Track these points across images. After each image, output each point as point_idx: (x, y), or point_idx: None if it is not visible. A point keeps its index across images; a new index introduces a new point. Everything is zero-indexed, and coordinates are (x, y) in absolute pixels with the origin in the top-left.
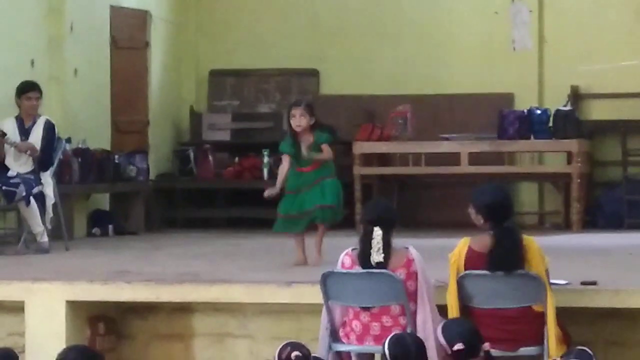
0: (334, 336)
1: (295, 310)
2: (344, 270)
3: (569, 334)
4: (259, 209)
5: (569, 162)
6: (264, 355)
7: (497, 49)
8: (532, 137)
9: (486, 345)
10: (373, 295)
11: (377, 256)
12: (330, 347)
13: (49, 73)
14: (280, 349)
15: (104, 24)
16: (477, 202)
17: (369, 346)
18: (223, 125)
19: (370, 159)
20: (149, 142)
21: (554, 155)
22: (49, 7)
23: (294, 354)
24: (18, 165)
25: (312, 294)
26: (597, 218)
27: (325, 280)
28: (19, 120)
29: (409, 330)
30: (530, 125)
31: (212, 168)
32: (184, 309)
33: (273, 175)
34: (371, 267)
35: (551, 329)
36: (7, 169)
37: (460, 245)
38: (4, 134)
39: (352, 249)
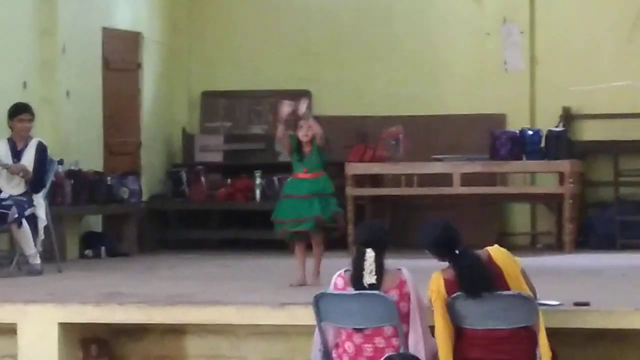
0: (327, 358)
1: (288, 332)
2: (337, 292)
3: (557, 354)
4: (251, 230)
5: (561, 182)
6: None
7: (489, 69)
8: (524, 157)
9: None
10: (366, 317)
11: (369, 278)
12: None
13: (41, 95)
14: None
15: (96, 46)
16: (422, 245)
17: None
18: (215, 146)
19: (362, 180)
20: (141, 164)
21: (546, 176)
22: (41, 29)
23: None
24: (10, 187)
25: (305, 316)
26: (589, 238)
27: (318, 302)
28: (11, 143)
29: (401, 351)
30: (523, 146)
31: (205, 189)
32: (177, 330)
33: (265, 196)
34: (364, 288)
35: (544, 346)
36: (0, 191)
37: (435, 281)
38: None
39: (345, 270)
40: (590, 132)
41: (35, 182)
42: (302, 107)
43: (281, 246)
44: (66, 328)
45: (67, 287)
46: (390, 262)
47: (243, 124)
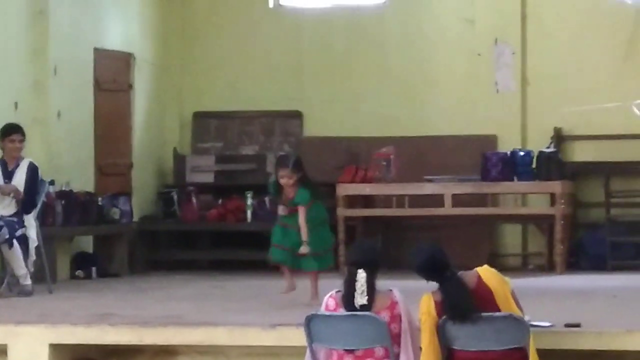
0: None
1: (280, 353)
2: (328, 313)
3: None
4: (242, 251)
5: (553, 203)
6: None
7: (480, 90)
8: (515, 178)
9: None
10: (357, 338)
11: (361, 299)
12: None
13: (33, 115)
14: None
15: (87, 66)
16: (413, 268)
17: None
18: (206, 167)
19: (354, 201)
20: (132, 184)
21: (537, 197)
22: (32, 49)
23: None
24: (1, 208)
25: (296, 337)
26: (580, 260)
27: (309, 323)
28: (2, 163)
29: None
30: (514, 166)
31: (196, 210)
32: (168, 351)
33: (256, 217)
34: (355, 309)
35: None
36: None
37: (426, 304)
38: None
39: (337, 291)
40: (581, 153)
41: (26, 203)
42: None
43: (273, 268)
44: (57, 349)
45: (58, 307)
46: (381, 283)
47: (234, 145)
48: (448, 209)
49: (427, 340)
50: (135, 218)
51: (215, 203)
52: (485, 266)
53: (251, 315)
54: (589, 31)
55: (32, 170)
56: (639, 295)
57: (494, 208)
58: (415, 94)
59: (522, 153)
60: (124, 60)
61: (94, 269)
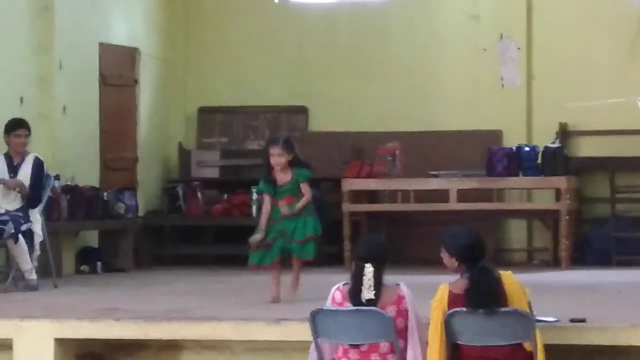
0: None
1: (284, 348)
2: (334, 308)
3: None
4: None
5: (558, 199)
6: None
7: (486, 85)
8: (520, 174)
9: None
10: (362, 333)
11: (368, 293)
12: None
13: (38, 110)
14: None
15: (93, 62)
16: (451, 246)
17: None
18: (212, 162)
19: (359, 196)
20: (137, 179)
21: (542, 192)
22: (38, 44)
23: None
24: (6, 203)
25: (301, 331)
26: (585, 255)
27: (315, 317)
28: (8, 158)
29: None
30: (519, 162)
31: (201, 205)
32: (173, 346)
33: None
34: (362, 303)
35: None
36: None
37: (440, 292)
38: None
39: (344, 284)
40: (586, 148)
41: (31, 198)
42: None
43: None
44: (62, 343)
45: (63, 302)
46: (388, 278)
47: (239, 140)
48: (453, 204)
49: (434, 328)
50: (141, 213)
51: (220, 198)
52: (509, 272)
53: (256, 310)
54: (595, 26)
55: (38, 165)
56: None
57: (499, 203)
58: (421, 89)
59: (527, 148)
60: (129, 55)
61: (99, 263)
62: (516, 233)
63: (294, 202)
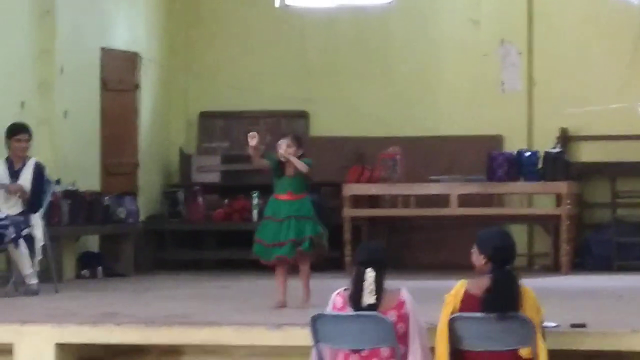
0: None
1: (285, 353)
2: (334, 313)
3: None
4: (248, 250)
5: (558, 204)
6: None
7: (486, 90)
8: (521, 179)
9: None
10: (363, 338)
11: (368, 298)
12: None
13: (39, 115)
14: None
15: (94, 66)
16: (482, 244)
17: None
18: (212, 167)
19: (359, 201)
20: (138, 184)
21: (543, 197)
22: (39, 49)
23: None
24: (7, 207)
25: (302, 336)
26: (586, 260)
27: (315, 323)
28: (9, 162)
29: None
30: (520, 167)
31: (202, 210)
32: (174, 351)
33: (262, 217)
34: (362, 308)
35: None
36: None
37: (457, 287)
38: None
39: (345, 289)
40: (587, 153)
41: (32, 202)
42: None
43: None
44: (63, 348)
45: (64, 307)
46: (389, 283)
47: (240, 145)
48: (454, 209)
49: (443, 322)
50: (141, 218)
51: (221, 203)
52: (529, 288)
53: (257, 314)
54: (596, 31)
55: (39, 169)
56: None
57: (500, 208)
58: (422, 94)
59: (528, 153)
60: (130, 60)
61: (99, 268)
62: (517, 238)
63: (295, 200)
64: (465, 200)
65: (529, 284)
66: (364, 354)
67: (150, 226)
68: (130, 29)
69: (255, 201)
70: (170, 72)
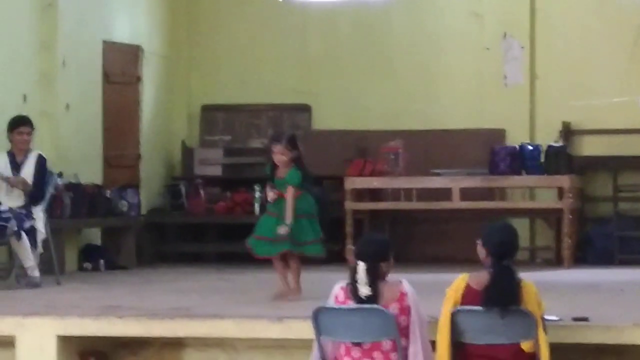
0: None
1: (287, 346)
2: (336, 306)
3: None
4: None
5: (560, 197)
6: None
7: (489, 84)
8: (523, 172)
9: None
10: (364, 331)
11: (364, 289)
12: None
13: (41, 108)
14: None
15: (96, 59)
16: (485, 236)
17: None
18: (214, 160)
19: (361, 194)
20: (140, 177)
21: (545, 191)
22: (41, 42)
23: None
24: (9, 200)
25: (304, 329)
26: (587, 254)
27: (317, 316)
28: (11, 155)
29: None
30: (522, 160)
31: (204, 203)
32: (175, 344)
33: (264, 210)
34: (363, 301)
35: None
36: None
37: (458, 281)
38: None
39: (347, 283)
40: (589, 147)
41: (34, 195)
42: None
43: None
44: (65, 341)
45: (66, 299)
46: (390, 276)
47: (242, 138)
48: (456, 203)
49: (444, 316)
50: (143, 210)
51: (223, 196)
52: (531, 282)
53: (259, 307)
54: (598, 25)
55: (41, 162)
56: None
57: (502, 202)
58: (424, 88)
59: (530, 147)
60: (133, 53)
61: (101, 261)
62: (519, 232)
63: (282, 199)
64: (467, 193)
65: (531, 278)
66: (365, 346)
67: (152, 219)
68: (133, 22)
69: (257, 194)
70: (172, 65)
